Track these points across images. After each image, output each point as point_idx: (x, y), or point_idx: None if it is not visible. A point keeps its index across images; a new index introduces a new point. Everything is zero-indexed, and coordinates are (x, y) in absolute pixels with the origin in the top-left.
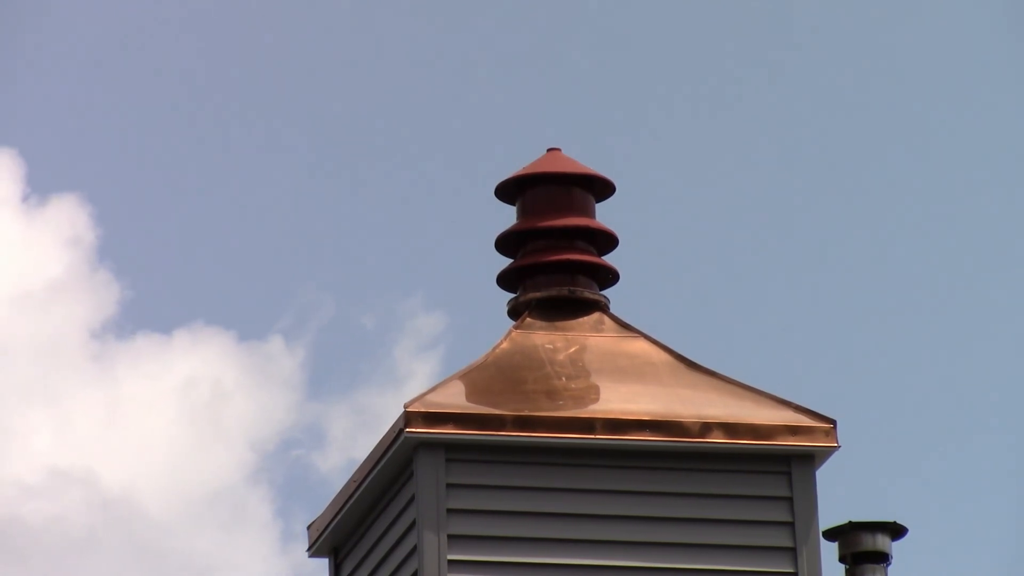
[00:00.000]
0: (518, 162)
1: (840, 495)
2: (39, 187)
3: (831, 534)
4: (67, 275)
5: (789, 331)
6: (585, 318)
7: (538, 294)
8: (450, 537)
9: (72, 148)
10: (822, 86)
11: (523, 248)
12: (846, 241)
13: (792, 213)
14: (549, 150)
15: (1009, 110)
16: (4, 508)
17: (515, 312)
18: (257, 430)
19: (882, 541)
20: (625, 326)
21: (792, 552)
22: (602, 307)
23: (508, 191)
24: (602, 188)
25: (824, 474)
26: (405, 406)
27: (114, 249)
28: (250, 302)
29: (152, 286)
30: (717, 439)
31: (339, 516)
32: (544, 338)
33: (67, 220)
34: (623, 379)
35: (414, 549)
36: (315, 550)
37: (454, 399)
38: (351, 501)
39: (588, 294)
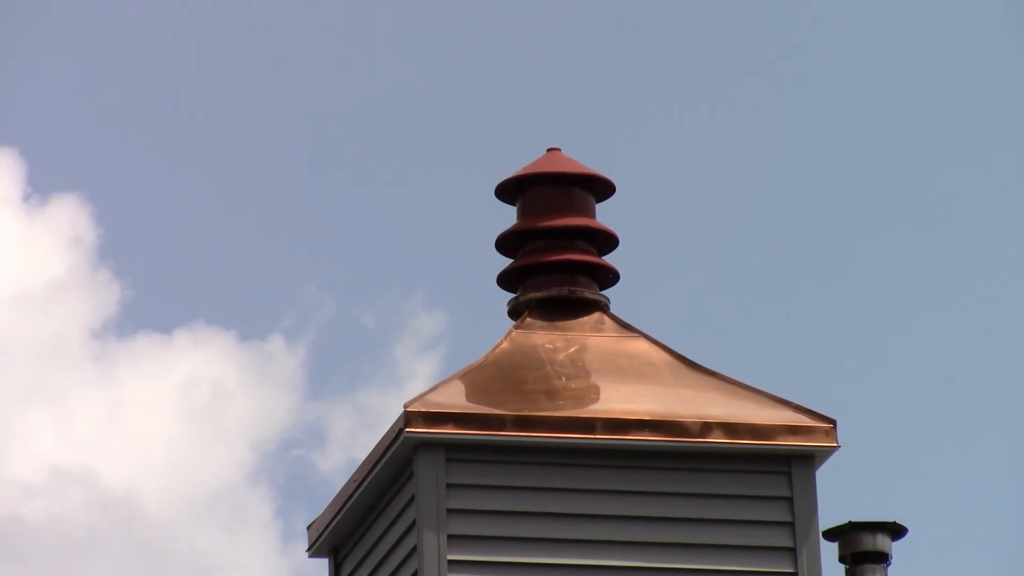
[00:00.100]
0: (518, 162)
1: (840, 495)
2: (40, 187)
3: (831, 534)
4: (68, 275)
5: (789, 331)
6: (585, 318)
7: (538, 294)
8: (450, 537)
9: (73, 148)
10: (822, 86)
11: (523, 248)
12: (846, 241)
13: (792, 213)
14: (549, 150)
15: (1009, 110)
16: (5, 508)
17: (515, 312)
18: (258, 430)
19: (882, 541)
20: (625, 326)
21: (792, 552)
22: (602, 307)
23: (508, 191)
24: (602, 188)
25: (824, 474)
26: (405, 406)
27: (115, 249)
28: (251, 302)
29: (153, 286)
30: (717, 439)
31: (339, 516)
32: (544, 338)
33: (68, 220)
34: (623, 379)
35: (414, 549)
36: (315, 550)
37: (454, 399)
38: (351, 501)
39: (588, 294)
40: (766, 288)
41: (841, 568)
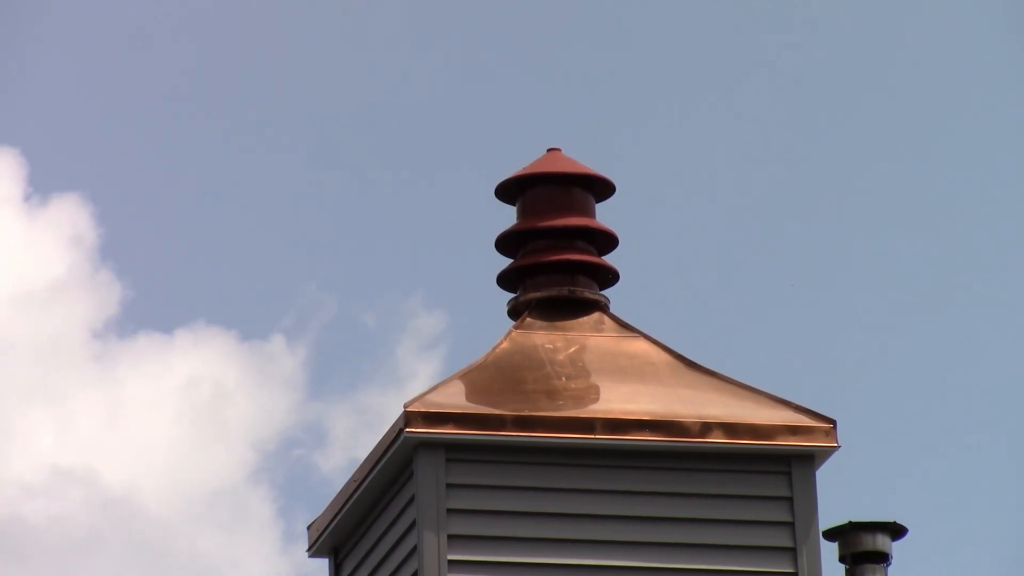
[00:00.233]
0: (518, 162)
1: (840, 495)
2: (41, 187)
3: (831, 534)
4: (69, 275)
5: (789, 331)
6: (585, 318)
7: (538, 294)
8: (450, 537)
9: (74, 148)
10: (822, 86)
11: (523, 248)
12: (846, 241)
13: (792, 213)
14: (549, 150)
15: (1009, 110)
16: (5, 508)
17: (515, 312)
18: (258, 430)
19: (882, 541)
20: (625, 326)
21: (792, 552)
22: (602, 307)
23: (508, 191)
24: (602, 188)
25: (824, 474)
26: (405, 406)
27: (116, 249)
28: (251, 302)
29: (153, 286)
30: (717, 439)
31: (339, 516)
32: (544, 338)
33: (69, 220)
34: (623, 379)
35: (414, 549)
36: (315, 550)
37: (454, 399)
38: (351, 501)
39: (588, 294)
40: (766, 288)
41: (841, 568)
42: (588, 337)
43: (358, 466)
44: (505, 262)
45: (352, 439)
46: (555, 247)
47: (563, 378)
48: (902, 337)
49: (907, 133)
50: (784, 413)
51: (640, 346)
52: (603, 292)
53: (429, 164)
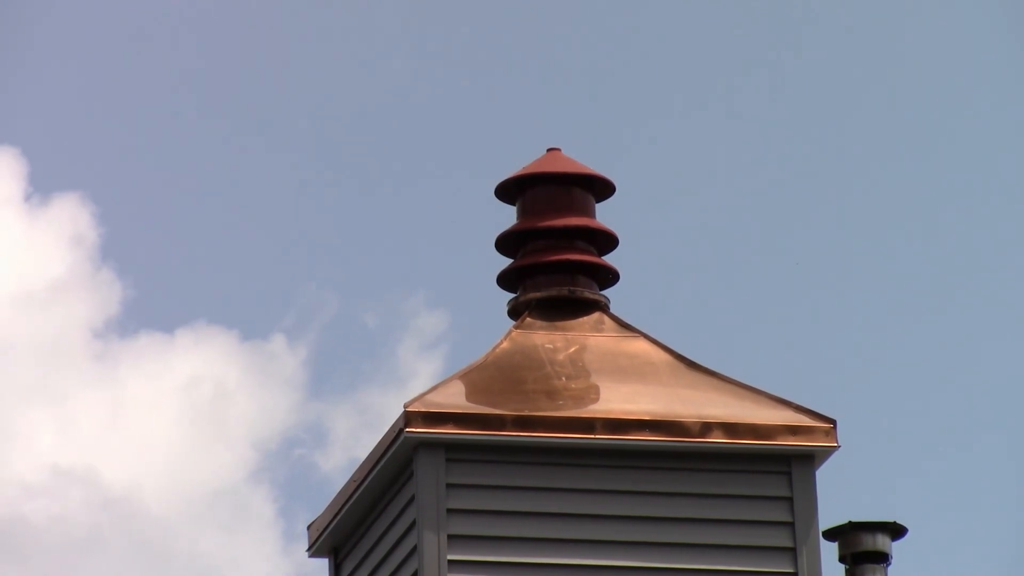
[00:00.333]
0: (518, 162)
1: (840, 495)
2: (41, 186)
3: (831, 534)
4: (69, 274)
5: (789, 331)
6: (585, 318)
7: (538, 294)
8: (450, 537)
9: (74, 147)
10: (822, 86)
11: (523, 248)
12: (846, 241)
13: (792, 213)
14: (549, 150)
15: (1009, 110)
16: (6, 507)
17: (515, 312)
18: (259, 429)
19: (882, 541)
20: (625, 326)
21: (792, 552)
22: (602, 307)
23: (508, 191)
24: (602, 188)
25: (824, 474)
26: (405, 406)
27: (116, 248)
28: (252, 301)
29: (154, 285)
30: (717, 439)
31: (339, 516)
32: (544, 338)
33: (69, 219)
34: (623, 379)
35: (414, 549)
36: (315, 550)
37: (454, 399)
38: (351, 501)
39: (588, 294)
40: (766, 288)
41: (841, 568)
42: (588, 337)
43: (358, 466)
44: (505, 262)
45: (353, 439)
46: (555, 247)
47: (563, 378)
48: (902, 337)
49: (907, 133)
50: (784, 413)
51: (640, 346)
52: (603, 292)
53: (429, 164)
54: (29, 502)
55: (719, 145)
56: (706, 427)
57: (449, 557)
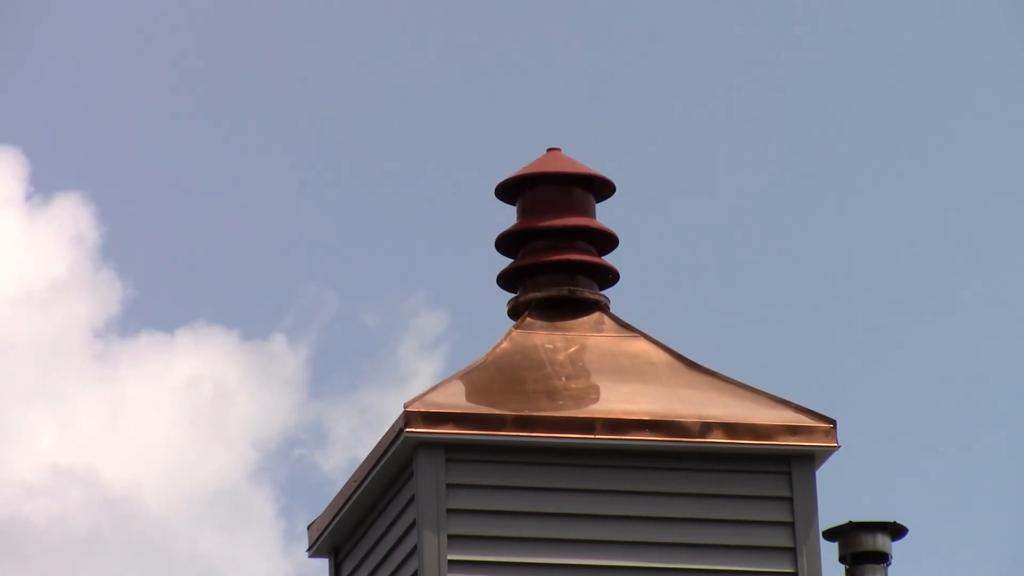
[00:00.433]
0: (518, 162)
1: (840, 495)
2: (42, 186)
3: (831, 534)
4: (70, 274)
5: (789, 331)
6: (585, 318)
7: (538, 294)
8: (450, 537)
9: (75, 147)
10: (822, 86)
11: (523, 248)
12: (846, 241)
13: (792, 213)
14: (549, 150)
15: (1009, 110)
16: (6, 507)
17: (515, 312)
18: (260, 429)
19: (882, 541)
20: (625, 326)
21: (792, 552)
22: (602, 307)
23: (508, 191)
24: (602, 188)
25: (824, 474)
26: (405, 406)
27: (117, 248)
28: (253, 301)
29: (155, 285)
30: (717, 439)
31: (339, 516)
32: (544, 338)
33: (70, 219)
34: (623, 379)
35: (414, 549)
36: (315, 550)
37: (454, 399)
38: (351, 501)
39: (588, 294)
40: (766, 288)
41: (841, 568)
42: (588, 337)
43: (358, 466)
44: (505, 262)
45: (353, 439)
46: (555, 247)
47: (563, 378)
48: (902, 337)
49: (907, 133)
50: (784, 413)
51: (640, 346)
52: (603, 292)
53: (429, 164)
54: (29, 502)
55: (719, 145)
56: (706, 427)
57: (449, 557)
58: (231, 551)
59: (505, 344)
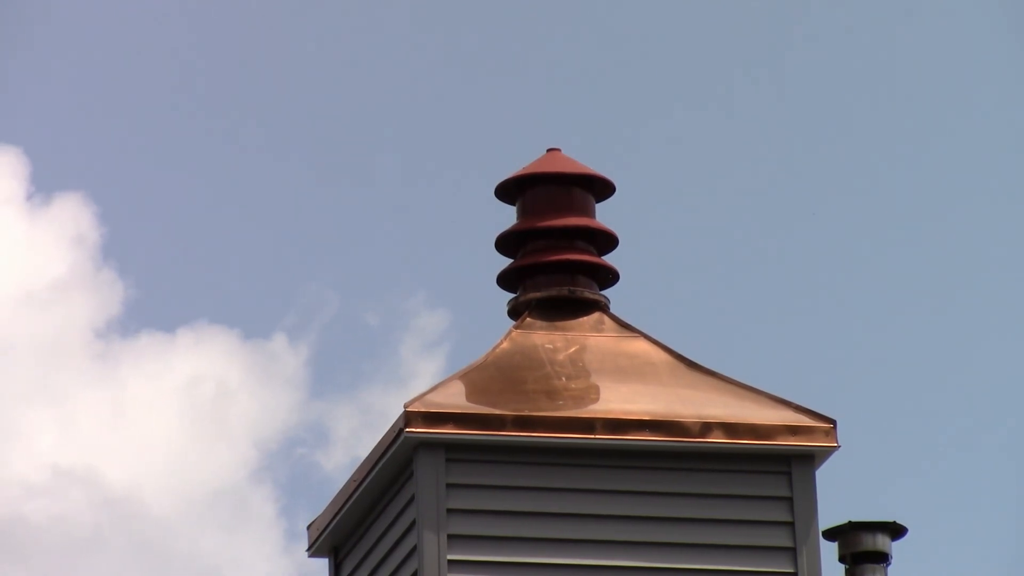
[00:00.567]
0: (518, 162)
1: (840, 495)
2: (43, 186)
3: (831, 534)
4: (71, 274)
5: (789, 331)
6: (585, 318)
7: (538, 294)
8: (450, 537)
9: (76, 147)
10: (822, 86)
11: (523, 248)
12: (846, 241)
13: (792, 213)
14: (549, 150)
15: (1009, 110)
16: (7, 507)
17: (515, 312)
18: (261, 429)
19: (882, 541)
20: (625, 326)
21: (792, 552)
22: (602, 307)
23: (508, 191)
24: (602, 188)
25: (824, 474)
26: (405, 406)
27: (118, 248)
28: (253, 300)
29: (156, 285)
30: (717, 439)
31: (339, 516)
32: (544, 338)
33: (71, 219)
34: (623, 379)
35: (414, 549)
36: (315, 550)
37: (454, 399)
38: (351, 501)
39: (588, 294)
40: (766, 288)
41: (841, 568)
42: (588, 337)
43: (358, 466)
44: (505, 262)
45: (354, 438)
46: (555, 247)
47: (563, 378)
48: (902, 337)
49: (907, 133)
50: (784, 413)
51: (640, 346)
52: (603, 292)
53: (429, 164)
54: (30, 502)
55: (719, 145)
56: (706, 427)
57: (449, 557)
58: (232, 551)
59: (505, 344)
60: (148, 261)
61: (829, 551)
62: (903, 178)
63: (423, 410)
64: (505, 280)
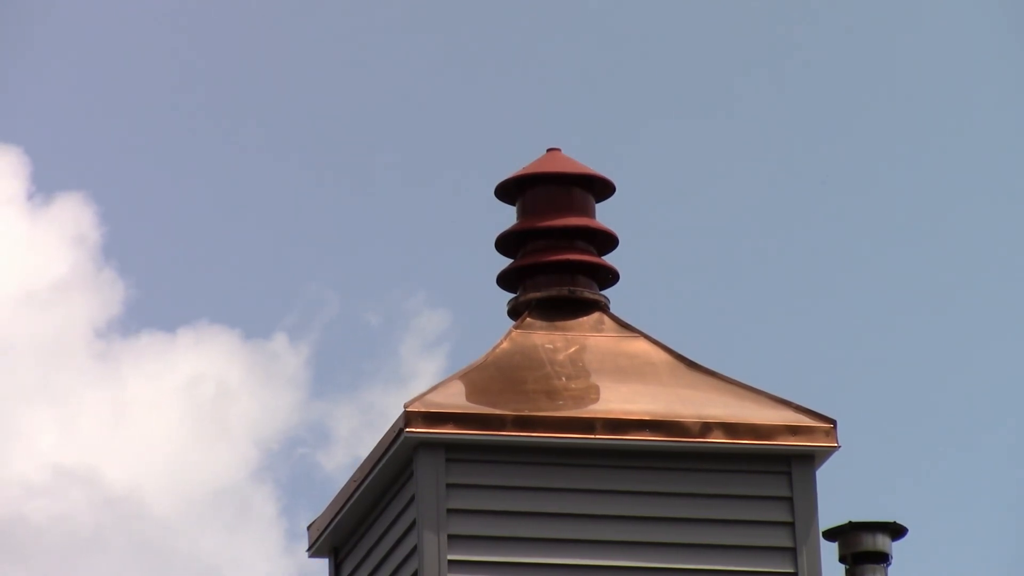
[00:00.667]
0: (518, 162)
1: (840, 495)
2: (44, 185)
3: (831, 534)
4: (72, 274)
5: (789, 331)
6: (585, 318)
7: (538, 294)
8: (450, 537)
9: (77, 146)
10: (822, 86)
11: (523, 248)
12: (846, 241)
13: (792, 213)
14: (549, 150)
15: (1009, 110)
16: (8, 507)
17: (515, 312)
18: (261, 428)
19: (882, 541)
20: (625, 326)
21: (792, 552)
22: (602, 307)
23: (508, 191)
24: (602, 188)
25: (824, 474)
26: (405, 406)
27: (119, 248)
28: (254, 300)
29: (157, 284)
30: (717, 439)
31: (339, 516)
32: (544, 338)
33: (72, 219)
34: (623, 379)
35: (414, 549)
36: (315, 550)
37: (454, 399)
38: (351, 501)
39: (588, 294)
40: (766, 288)
41: (841, 568)
42: (588, 337)
43: (358, 466)
44: (505, 262)
45: (355, 438)
46: (555, 247)
47: (563, 378)
48: (902, 337)
49: (907, 133)
50: (784, 413)
51: (640, 346)
52: (603, 292)
53: (429, 164)
54: (30, 502)
55: (719, 145)
56: (706, 427)
57: (449, 557)
58: (232, 551)
59: (505, 344)
60: (149, 261)
61: (829, 551)
62: (903, 178)
63: (423, 410)
64: (505, 280)
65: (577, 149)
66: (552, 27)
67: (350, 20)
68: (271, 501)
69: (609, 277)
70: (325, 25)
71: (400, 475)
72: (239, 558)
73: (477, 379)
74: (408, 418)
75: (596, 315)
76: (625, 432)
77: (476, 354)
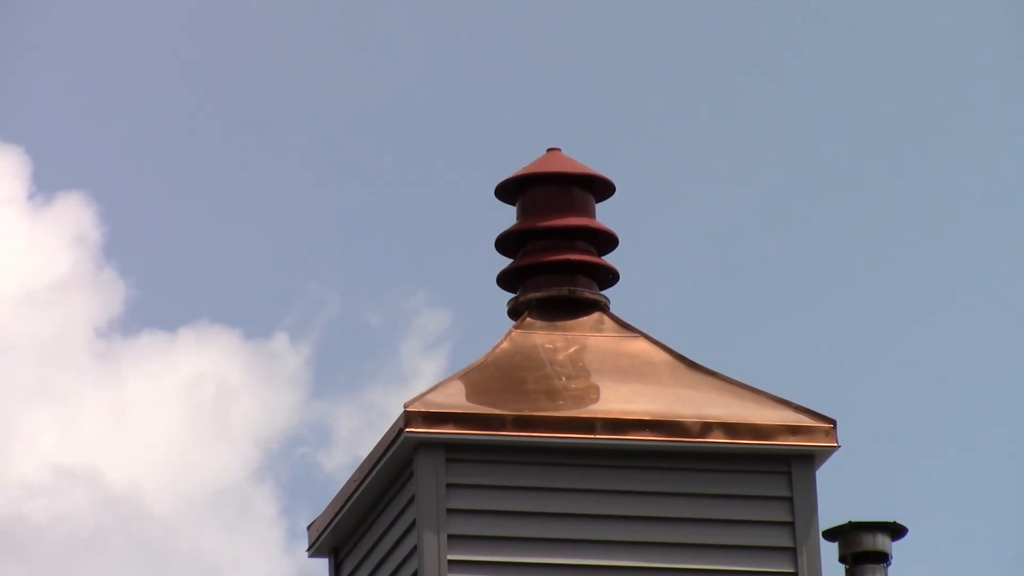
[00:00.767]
0: (518, 162)
1: (840, 495)
2: (45, 185)
3: (831, 534)
4: (72, 273)
5: (789, 331)
6: (585, 318)
7: (538, 294)
8: (450, 537)
9: (78, 146)
10: (822, 86)
11: (523, 248)
12: (846, 241)
13: (792, 213)
14: (549, 150)
15: (1009, 110)
16: (9, 507)
17: (515, 312)
18: (262, 428)
19: (882, 541)
20: (625, 326)
21: (792, 552)
22: (602, 307)
23: (508, 191)
24: (602, 188)
25: (824, 474)
26: (405, 406)
27: (120, 247)
28: (255, 300)
29: (157, 284)
30: (717, 439)
31: (339, 516)
32: (544, 338)
33: (73, 218)
34: (623, 379)
35: (414, 549)
36: (315, 550)
37: (454, 399)
38: (351, 501)
39: (588, 294)
40: (766, 288)
41: (841, 568)
42: (588, 337)
43: (358, 466)
44: (505, 262)
45: (356, 438)
46: (555, 247)
47: (563, 378)
48: (902, 337)
49: (907, 133)
50: (784, 413)
51: (640, 346)
52: (603, 292)
53: (429, 164)
54: (31, 501)
55: (719, 145)
56: (706, 427)
57: (449, 557)
58: (233, 551)
59: (505, 344)
60: (149, 261)
61: (829, 551)
62: (903, 178)
63: (423, 410)
64: (505, 280)
65: (577, 149)
66: (552, 27)
67: (350, 20)
68: (271, 501)
69: (609, 277)
70: (325, 25)
71: (400, 475)
72: (239, 558)
73: (477, 379)
74: (408, 418)
75: (596, 315)
76: (625, 432)
77: (476, 354)
